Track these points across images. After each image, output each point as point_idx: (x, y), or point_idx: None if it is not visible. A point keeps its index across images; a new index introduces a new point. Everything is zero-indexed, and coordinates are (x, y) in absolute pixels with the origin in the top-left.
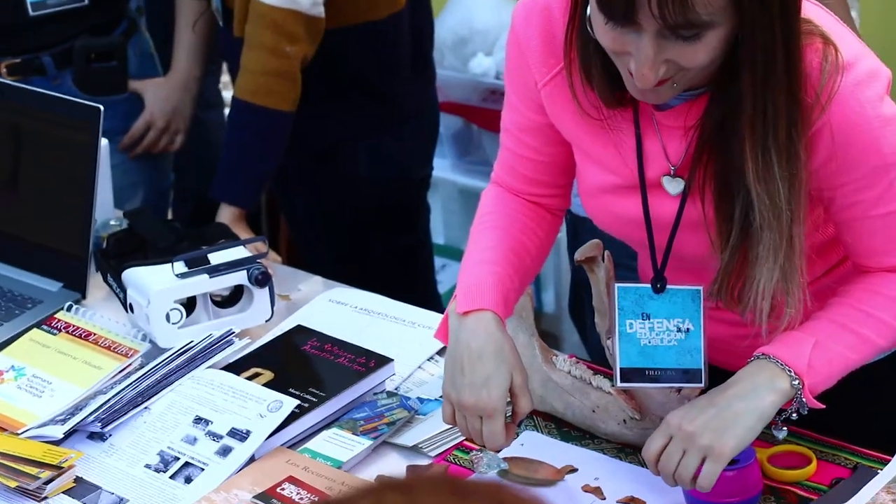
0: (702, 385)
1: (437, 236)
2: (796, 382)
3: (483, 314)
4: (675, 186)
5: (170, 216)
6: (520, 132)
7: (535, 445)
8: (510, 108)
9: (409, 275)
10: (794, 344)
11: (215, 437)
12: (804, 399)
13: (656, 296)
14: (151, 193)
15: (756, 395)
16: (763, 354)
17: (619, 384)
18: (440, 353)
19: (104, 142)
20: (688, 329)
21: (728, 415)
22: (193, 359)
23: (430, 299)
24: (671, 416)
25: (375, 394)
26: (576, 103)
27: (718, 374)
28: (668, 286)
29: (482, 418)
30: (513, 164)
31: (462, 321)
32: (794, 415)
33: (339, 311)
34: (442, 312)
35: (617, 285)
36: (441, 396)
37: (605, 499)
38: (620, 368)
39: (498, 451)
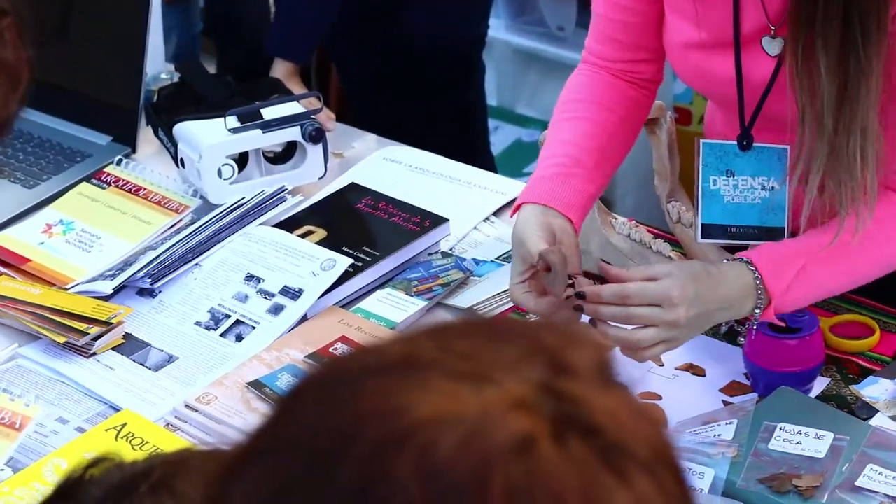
0: (792, 239)
1: (490, 98)
2: (758, 311)
3: (532, 206)
4: (774, 47)
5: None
6: None
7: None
8: None
9: (463, 135)
10: (780, 262)
11: (267, 295)
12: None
13: (742, 153)
14: (184, 38)
15: (735, 310)
16: (750, 264)
17: (699, 240)
18: (496, 213)
19: None
20: (773, 187)
21: (708, 320)
22: (245, 215)
23: (485, 160)
24: (675, 286)
25: (430, 254)
26: None
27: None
28: (755, 143)
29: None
30: (606, 31)
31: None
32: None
33: (394, 169)
34: (496, 173)
35: (702, 141)
36: (497, 258)
37: (663, 365)
38: (702, 224)
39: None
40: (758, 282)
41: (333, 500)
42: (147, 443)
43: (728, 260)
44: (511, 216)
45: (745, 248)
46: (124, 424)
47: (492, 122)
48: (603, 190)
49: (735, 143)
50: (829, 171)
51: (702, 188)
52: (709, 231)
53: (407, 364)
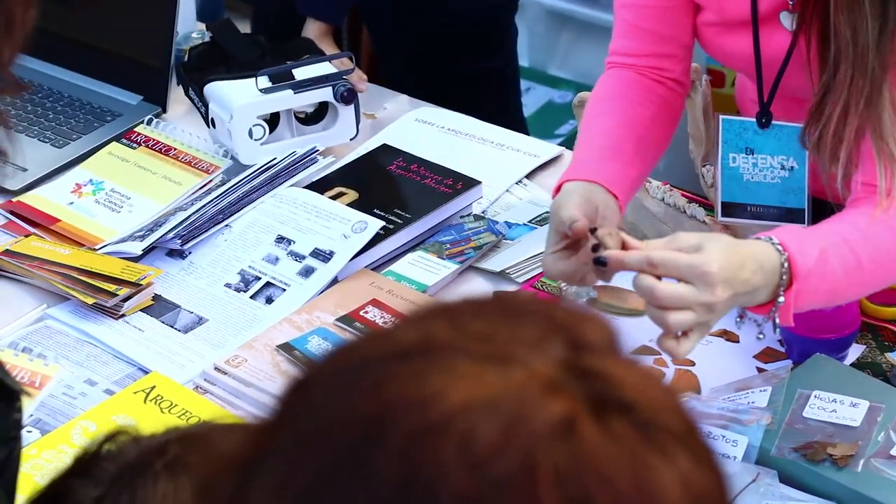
0: (804, 225)
1: (522, 59)
2: (781, 300)
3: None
4: (792, 21)
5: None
6: None
7: (624, 274)
8: None
9: (495, 97)
10: (804, 240)
11: (297, 257)
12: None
13: (761, 131)
14: None
15: (753, 296)
16: (781, 248)
17: (720, 218)
18: (529, 176)
19: None
20: (792, 167)
21: (732, 305)
22: (276, 176)
23: (517, 123)
24: (713, 261)
25: (462, 217)
26: None
27: (815, 204)
28: (774, 122)
29: None
30: (633, 21)
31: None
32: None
33: (426, 130)
34: (528, 134)
35: (721, 117)
36: (530, 221)
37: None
38: (722, 202)
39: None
40: (784, 265)
41: (375, 493)
42: (175, 406)
43: (755, 237)
44: (553, 197)
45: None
46: (153, 387)
47: (524, 84)
48: (644, 180)
49: (754, 120)
50: (867, 117)
51: (721, 166)
52: (729, 210)
53: (425, 348)
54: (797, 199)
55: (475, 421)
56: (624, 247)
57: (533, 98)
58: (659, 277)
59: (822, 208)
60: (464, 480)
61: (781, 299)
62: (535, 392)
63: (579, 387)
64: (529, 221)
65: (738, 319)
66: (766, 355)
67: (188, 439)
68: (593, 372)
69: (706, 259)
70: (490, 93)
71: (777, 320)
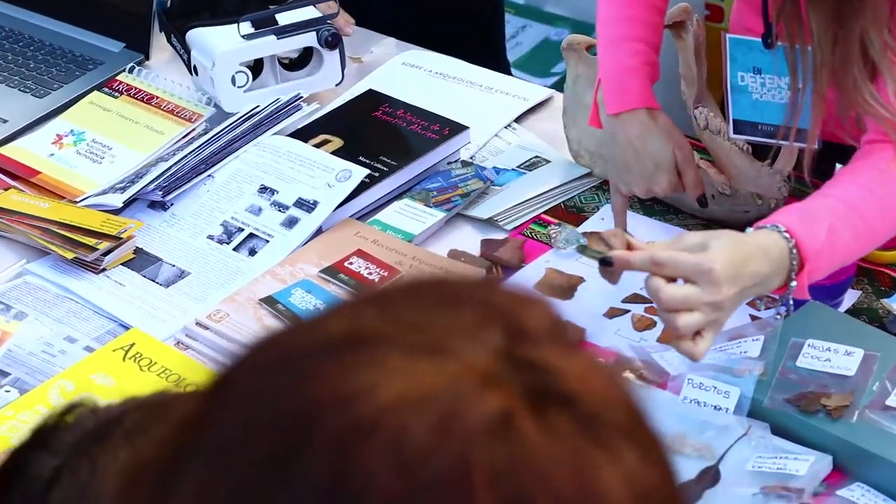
0: (815, 147)
1: None
2: (793, 284)
3: (635, 113)
4: None
5: None
6: None
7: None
8: None
9: (483, 41)
10: (813, 221)
11: (281, 207)
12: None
13: (767, 51)
14: None
15: (766, 286)
16: (788, 235)
17: (731, 135)
18: (518, 120)
19: None
20: (798, 88)
21: (741, 299)
22: (259, 124)
23: (502, 65)
24: (716, 259)
25: (449, 163)
26: None
27: (822, 146)
28: (779, 43)
29: None
30: None
31: (615, 120)
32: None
33: (413, 74)
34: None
35: (728, 36)
36: (519, 167)
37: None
38: (733, 119)
39: None
40: (793, 251)
41: (300, 498)
42: (155, 363)
43: (756, 228)
44: (611, 112)
45: (770, 148)
46: (132, 344)
47: (519, 21)
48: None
49: (760, 40)
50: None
51: (730, 84)
52: (740, 127)
53: (353, 340)
54: (803, 119)
55: (406, 419)
56: (629, 248)
57: (529, 36)
58: (673, 280)
59: (841, 152)
60: (394, 483)
61: (794, 283)
62: (470, 386)
63: (518, 379)
64: (518, 167)
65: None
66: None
67: (147, 408)
68: (533, 362)
69: (710, 258)
70: (478, 37)
71: (791, 302)
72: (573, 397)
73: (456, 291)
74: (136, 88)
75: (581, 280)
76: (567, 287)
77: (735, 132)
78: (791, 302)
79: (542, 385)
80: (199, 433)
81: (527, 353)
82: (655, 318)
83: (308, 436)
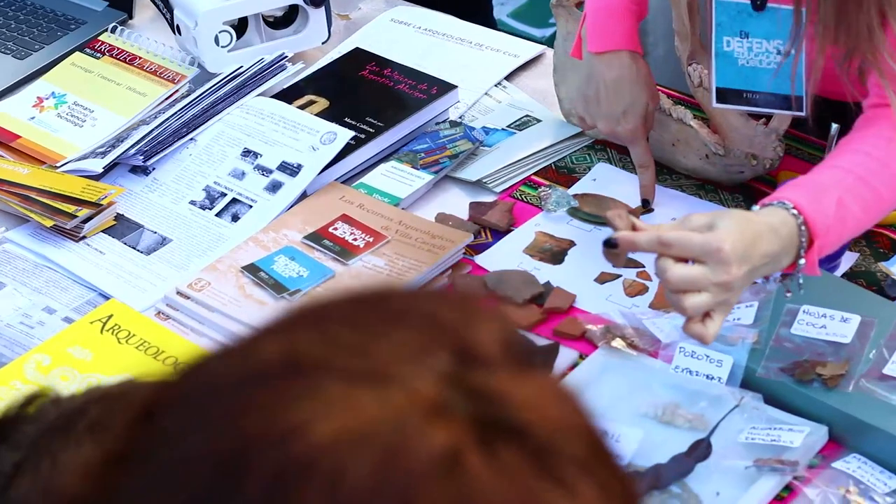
0: (803, 114)
1: None
2: (802, 262)
3: (616, 54)
4: None
5: None
6: None
7: (607, 180)
8: None
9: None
10: (820, 198)
11: (264, 171)
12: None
13: (756, 13)
14: None
15: (776, 264)
16: (792, 209)
17: (714, 104)
18: (508, 78)
19: None
20: (788, 52)
21: (751, 278)
22: (243, 85)
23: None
24: (725, 239)
25: (437, 123)
26: None
27: (822, 104)
28: (769, 4)
29: None
30: None
31: (595, 57)
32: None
33: (402, 31)
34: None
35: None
36: (509, 126)
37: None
38: (717, 88)
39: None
40: (802, 228)
41: None
42: (133, 335)
43: (764, 205)
44: (592, 50)
45: (761, 115)
46: (110, 316)
47: None
48: None
49: (748, 2)
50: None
51: (715, 50)
52: (724, 95)
53: (288, 367)
54: (795, 86)
55: (345, 458)
56: (634, 229)
57: None
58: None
59: (842, 111)
60: None
61: (803, 261)
62: (415, 420)
63: (466, 409)
64: (508, 126)
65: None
66: None
67: (111, 399)
68: (481, 390)
69: (719, 237)
70: None
71: (801, 280)
72: (524, 428)
73: (401, 307)
74: (118, 49)
75: (572, 244)
76: (557, 251)
77: (719, 101)
78: (801, 280)
79: (491, 415)
80: (125, 470)
81: (475, 379)
82: (647, 284)
83: (239, 479)
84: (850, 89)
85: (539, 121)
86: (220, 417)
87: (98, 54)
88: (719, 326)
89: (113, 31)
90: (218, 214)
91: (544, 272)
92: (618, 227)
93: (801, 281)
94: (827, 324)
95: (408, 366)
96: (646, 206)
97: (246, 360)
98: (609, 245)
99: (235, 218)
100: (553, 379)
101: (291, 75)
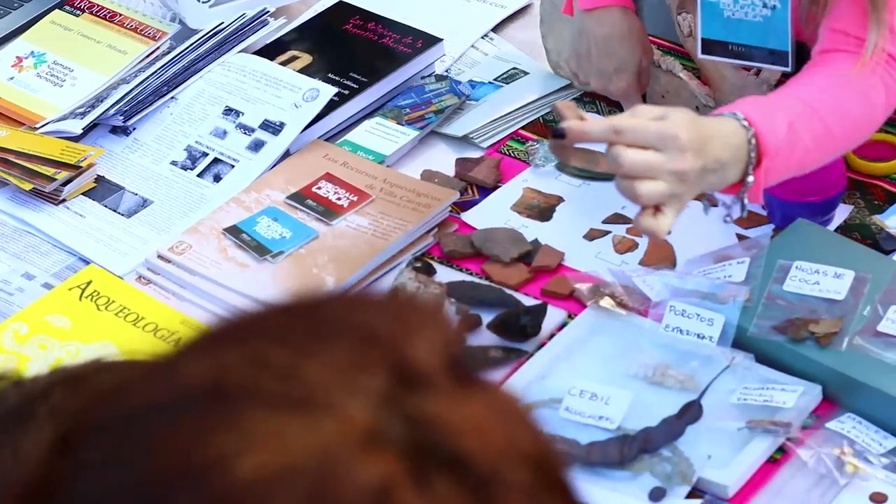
0: (788, 69)
1: None
2: (750, 179)
3: (607, 10)
4: None
5: None
6: None
7: None
8: None
9: None
10: (772, 116)
11: (246, 129)
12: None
13: None
14: None
15: (722, 174)
16: (747, 123)
17: (700, 55)
18: (495, 30)
19: None
20: (774, 6)
21: (701, 182)
22: (224, 42)
23: None
24: (682, 127)
25: (423, 78)
26: None
27: (807, 52)
28: None
29: None
30: None
31: (585, 14)
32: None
33: None
34: None
35: None
36: (496, 79)
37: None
38: (702, 39)
39: None
40: (752, 142)
41: None
42: (113, 302)
43: (717, 114)
44: (583, 7)
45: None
46: (89, 282)
47: None
48: None
49: None
50: None
51: (701, 0)
52: (710, 46)
53: (212, 393)
54: (780, 40)
55: (269, 495)
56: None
57: None
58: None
59: (801, 52)
60: None
61: (751, 178)
62: (344, 451)
63: (402, 436)
64: (495, 79)
65: (706, 203)
66: (747, 220)
67: (74, 382)
68: (418, 414)
69: (674, 124)
70: None
71: (746, 201)
72: (463, 457)
73: (332, 319)
74: (98, 5)
75: (560, 200)
76: (545, 207)
77: (704, 52)
78: (745, 201)
79: (428, 443)
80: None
81: (412, 403)
82: (637, 240)
83: None
84: (808, 35)
85: (526, 73)
86: (138, 451)
87: (78, 11)
88: (672, 221)
89: None
90: (199, 175)
91: (532, 229)
92: (566, 116)
93: (746, 202)
94: (820, 280)
95: (339, 389)
96: None
97: (167, 384)
98: (557, 135)
99: (217, 178)
100: (499, 395)
101: (273, 31)
